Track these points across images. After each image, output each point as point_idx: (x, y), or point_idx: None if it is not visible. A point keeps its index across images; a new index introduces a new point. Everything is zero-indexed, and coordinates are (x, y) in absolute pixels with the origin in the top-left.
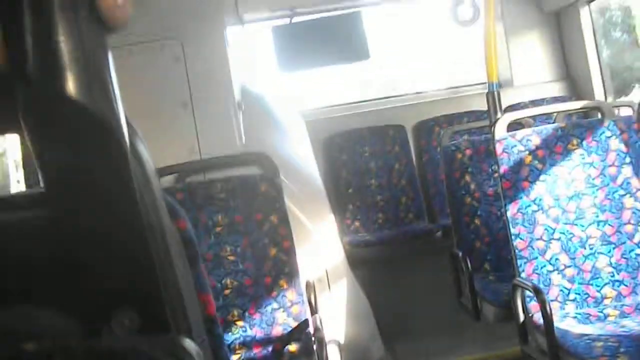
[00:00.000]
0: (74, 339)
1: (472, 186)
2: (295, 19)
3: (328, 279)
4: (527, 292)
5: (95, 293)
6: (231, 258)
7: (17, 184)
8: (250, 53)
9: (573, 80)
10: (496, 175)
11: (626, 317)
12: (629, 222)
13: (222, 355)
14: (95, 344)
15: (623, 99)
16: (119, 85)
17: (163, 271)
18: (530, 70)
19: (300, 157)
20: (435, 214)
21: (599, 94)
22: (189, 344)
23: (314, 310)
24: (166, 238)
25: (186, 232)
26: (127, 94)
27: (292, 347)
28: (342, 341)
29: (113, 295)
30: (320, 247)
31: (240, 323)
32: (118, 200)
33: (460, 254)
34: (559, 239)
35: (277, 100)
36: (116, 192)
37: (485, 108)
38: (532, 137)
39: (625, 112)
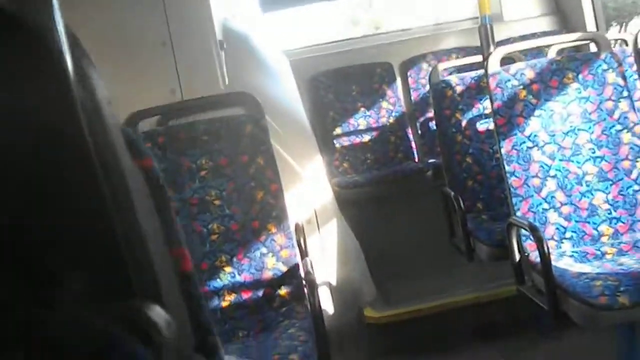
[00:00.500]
0: (18, 309)
1: (464, 124)
2: None
3: (317, 222)
4: (523, 231)
5: (40, 252)
6: (217, 203)
7: None
8: None
9: (564, 13)
10: (488, 111)
11: (624, 254)
12: (626, 158)
13: (202, 319)
14: (33, 315)
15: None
16: (94, 23)
17: (122, 222)
18: (519, 4)
19: (286, 97)
20: (424, 153)
21: (591, 28)
22: (154, 311)
23: (304, 254)
24: (125, 180)
25: (153, 174)
26: (104, 33)
27: (283, 292)
28: (333, 283)
29: (60, 255)
30: (309, 189)
31: (228, 269)
32: (59, 133)
33: (452, 193)
34: (554, 176)
35: (260, 39)
36: (56, 123)
37: (474, 44)
38: (527, 70)
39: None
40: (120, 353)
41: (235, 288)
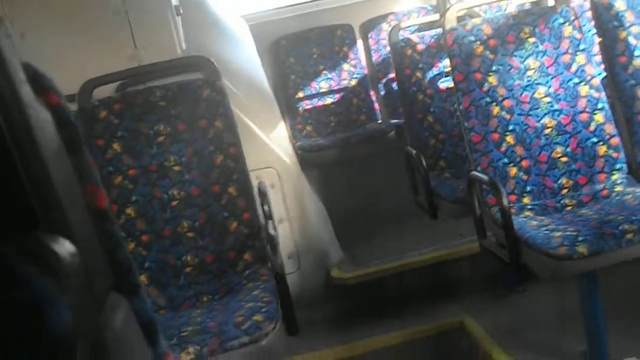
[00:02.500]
0: None
1: (424, 82)
2: None
3: (282, 186)
4: (484, 187)
5: None
6: (176, 168)
7: None
8: None
9: None
10: (448, 70)
11: (583, 206)
12: (584, 111)
13: (119, 257)
14: None
15: None
16: None
17: (22, 152)
18: None
19: (245, 61)
20: (387, 114)
21: None
22: (59, 243)
23: (267, 217)
24: (25, 115)
25: (60, 110)
26: (58, 8)
27: (247, 255)
28: (299, 247)
29: None
30: (272, 153)
31: (190, 234)
32: None
33: (414, 152)
34: (513, 131)
35: (218, 4)
36: None
37: (433, 3)
38: (483, 26)
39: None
40: (12, 279)
41: (198, 253)
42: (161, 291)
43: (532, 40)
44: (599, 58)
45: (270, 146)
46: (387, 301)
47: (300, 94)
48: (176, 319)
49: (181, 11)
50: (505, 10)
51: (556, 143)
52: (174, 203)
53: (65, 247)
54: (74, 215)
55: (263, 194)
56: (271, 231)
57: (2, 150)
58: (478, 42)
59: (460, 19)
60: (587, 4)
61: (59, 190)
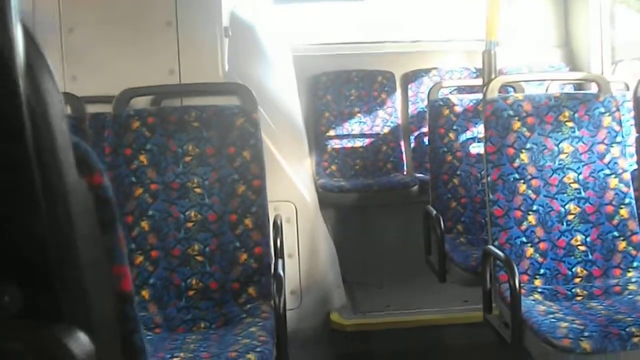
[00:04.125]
0: None
1: (456, 144)
2: None
3: (297, 222)
4: (498, 262)
5: None
6: (198, 191)
7: None
8: None
9: (571, 49)
10: (482, 136)
11: (594, 299)
12: (610, 203)
13: (134, 340)
14: None
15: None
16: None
17: (58, 246)
18: (529, 33)
19: (284, 92)
20: (414, 168)
21: (595, 68)
22: (76, 340)
23: (278, 254)
24: (68, 202)
25: (102, 190)
26: (110, 7)
27: (251, 289)
28: (304, 284)
29: None
30: (293, 187)
31: (199, 258)
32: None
33: (434, 212)
34: (537, 211)
35: (267, 31)
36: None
37: (479, 66)
38: (524, 103)
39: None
40: None
41: (204, 278)
42: (160, 309)
43: (570, 124)
44: (632, 150)
45: (293, 180)
46: (383, 355)
47: (331, 132)
48: (169, 340)
49: (230, 33)
50: (547, 87)
51: (577, 230)
52: (189, 224)
53: (82, 345)
54: (97, 304)
55: (278, 229)
56: (280, 270)
57: (39, 240)
58: (516, 118)
59: (502, 87)
60: (630, 95)
61: (87, 279)
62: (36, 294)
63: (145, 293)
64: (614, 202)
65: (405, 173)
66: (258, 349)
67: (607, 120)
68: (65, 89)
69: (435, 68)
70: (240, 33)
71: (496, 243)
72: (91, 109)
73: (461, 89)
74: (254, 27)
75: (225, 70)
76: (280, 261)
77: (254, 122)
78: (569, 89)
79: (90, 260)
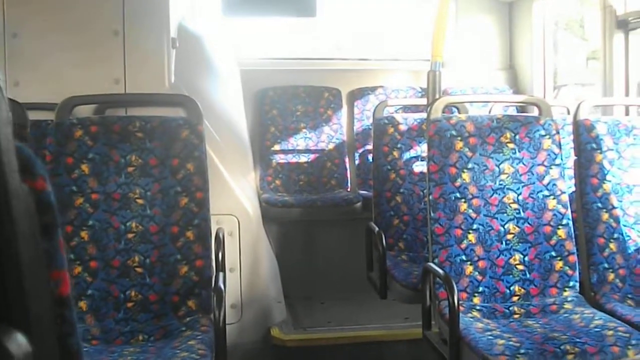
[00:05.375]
0: None
1: (399, 163)
2: None
3: (240, 235)
4: (438, 280)
5: None
6: (140, 201)
7: None
8: None
9: (515, 72)
10: (425, 155)
11: (531, 317)
12: (548, 224)
13: (70, 343)
14: None
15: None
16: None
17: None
18: (475, 55)
19: (230, 105)
20: (358, 184)
21: (538, 91)
22: (14, 340)
23: (219, 267)
24: (10, 205)
25: (44, 195)
26: (56, 14)
27: (191, 302)
28: (245, 299)
29: None
30: (237, 201)
31: (139, 270)
32: None
33: (377, 229)
34: (477, 230)
35: (214, 44)
36: None
37: (425, 85)
38: (467, 123)
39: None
40: None
41: (143, 290)
42: (98, 321)
43: (511, 145)
44: (571, 172)
45: (236, 193)
46: None
47: (277, 147)
48: (106, 353)
49: (177, 44)
50: (490, 108)
51: (515, 250)
52: (130, 235)
53: (19, 345)
54: (35, 305)
55: (220, 242)
56: (220, 284)
57: None
58: (459, 138)
59: (446, 107)
60: (570, 118)
61: (26, 280)
62: None
63: (83, 304)
64: (552, 223)
65: (349, 189)
66: None
67: (547, 142)
68: (7, 95)
69: (381, 86)
70: (187, 44)
71: (436, 261)
72: (33, 115)
73: (406, 108)
74: (201, 39)
75: (172, 82)
76: (221, 274)
77: (198, 134)
78: (512, 111)
79: (29, 262)
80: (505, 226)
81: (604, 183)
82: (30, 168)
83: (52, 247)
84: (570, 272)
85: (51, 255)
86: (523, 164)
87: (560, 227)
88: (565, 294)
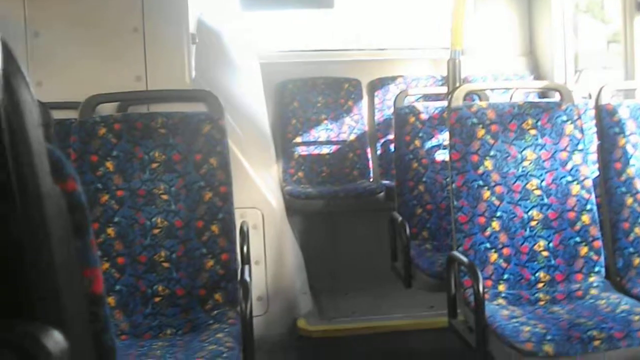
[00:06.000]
0: None
1: (421, 152)
2: None
3: (264, 228)
4: (463, 268)
5: None
6: (164, 197)
7: None
8: None
9: (536, 57)
10: (446, 144)
11: (557, 303)
12: (572, 209)
13: (104, 339)
14: None
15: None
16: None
17: (33, 250)
18: (494, 41)
19: (251, 99)
20: (380, 175)
21: (559, 76)
22: (51, 337)
23: (244, 260)
24: (43, 207)
25: (74, 196)
26: (77, 13)
27: (217, 295)
28: (270, 291)
29: None
30: (260, 194)
31: (166, 264)
32: None
33: (400, 218)
34: (500, 217)
35: (234, 38)
36: None
37: (445, 74)
38: (488, 111)
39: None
40: None
41: (170, 285)
42: (126, 316)
43: (533, 132)
44: (594, 157)
45: (259, 187)
46: None
47: (298, 139)
48: (135, 347)
49: (197, 40)
50: (512, 95)
51: (540, 236)
52: (156, 231)
53: (57, 342)
54: (70, 304)
55: (244, 236)
56: (246, 277)
57: (13, 242)
58: (480, 126)
59: (467, 95)
60: (592, 103)
61: (60, 280)
62: (11, 294)
63: (111, 300)
64: (576, 208)
65: (371, 180)
66: (225, 355)
67: (569, 128)
68: None
69: (401, 76)
70: (207, 40)
71: (460, 249)
72: (57, 114)
73: (427, 97)
74: (221, 34)
75: (192, 77)
76: (246, 267)
77: (220, 129)
78: (533, 97)
79: (63, 262)
80: (529, 213)
81: (627, 167)
82: (61, 169)
83: (84, 246)
84: (595, 257)
85: (83, 254)
86: (545, 150)
87: (584, 212)
88: (591, 279)
